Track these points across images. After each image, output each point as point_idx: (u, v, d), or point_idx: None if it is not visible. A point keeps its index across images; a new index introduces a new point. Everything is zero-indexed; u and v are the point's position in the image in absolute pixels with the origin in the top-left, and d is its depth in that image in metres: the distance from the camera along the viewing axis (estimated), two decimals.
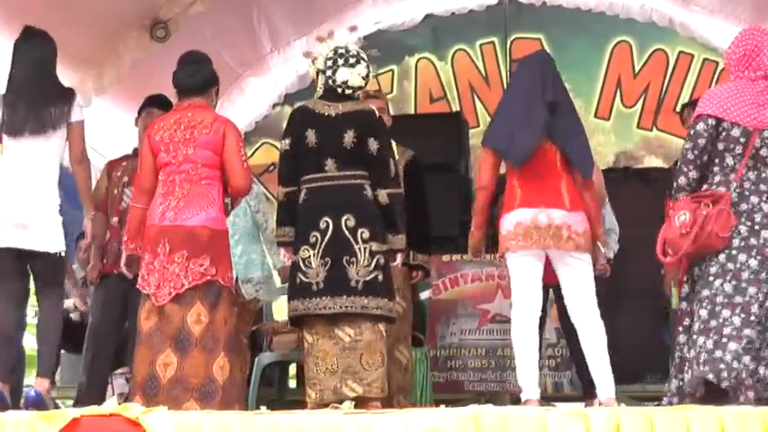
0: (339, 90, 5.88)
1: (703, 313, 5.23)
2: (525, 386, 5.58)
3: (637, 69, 11.09)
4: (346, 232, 5.71)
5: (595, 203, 5.81)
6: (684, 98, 10.68)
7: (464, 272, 8.20)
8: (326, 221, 5.72)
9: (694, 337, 5.23)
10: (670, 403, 5.27)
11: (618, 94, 11.05)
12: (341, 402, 5.56)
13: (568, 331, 5.98)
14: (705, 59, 10.86)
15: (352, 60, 5.86)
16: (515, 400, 7.64)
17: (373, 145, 5.81)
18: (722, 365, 5.07)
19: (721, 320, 5.18)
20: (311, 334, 5.79)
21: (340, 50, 5.91)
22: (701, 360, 5.14)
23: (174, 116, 5.77)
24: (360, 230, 5.71)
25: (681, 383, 5.30)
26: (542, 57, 6.03)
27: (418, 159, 6.95)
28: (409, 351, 6.78)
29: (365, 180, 5.81)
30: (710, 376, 5.09)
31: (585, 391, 6.53)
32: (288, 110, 10.56)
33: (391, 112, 7.08)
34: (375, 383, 5.67)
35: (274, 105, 10.81)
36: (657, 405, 6.97)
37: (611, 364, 5.65)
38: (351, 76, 5.85)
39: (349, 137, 5.79)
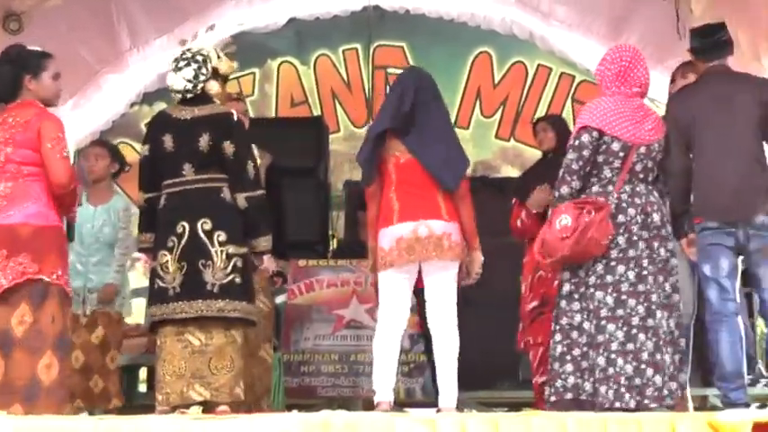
0: (173, 95, 5.86)
1: (590, 327, 5.33)
2: (379, 389, 5.59)
3: (496, 80, 11.26)
4: (202, 236, 5.65)
5: (471, 213, 5.82)
6: (542, 110, 10.88)
7: (319, 277, 8.18)
8: (183, 226, 5.66)
9: (585, 349, 5.34)
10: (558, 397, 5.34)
11: (477, 103, 11.20)
12: (188, 406, 5.50)
13: (430, 337, 6.00)
14: (562, 73, 11.09)
15: (181, 64, 5.83)
16: (368, 405, 7.65)
17: (229, 148, 5.76)
18: (621, 387, 5.23)
19: (607, 336, 5.31)
20: (161, 337, 5.72)
21: (176, 56, 5.89)
22: (597, 377, 5.28)
23: (2, 115, 5.57)
24: (216, 233, 5.66)
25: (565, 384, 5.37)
26: (418, 72, 6.00)
27: (275, 165, 6.92)
28: (270, 352, 6.75)
29: (223, 183, 5.76)
30: (611, 395, 5.22)
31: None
32: (146, 109, 10.49)
33: (251, 115, 7.03)
34: (223, 388, 5.61)
35: (132, 104, 10.62)
36: (507, 411, 7.08)
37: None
38: (175, 79, 5.82)
39: (204, 140, 5.74)
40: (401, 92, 5.77)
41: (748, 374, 6.58)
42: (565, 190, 5.46)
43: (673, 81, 6.76)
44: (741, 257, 5.83)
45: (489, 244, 7.90)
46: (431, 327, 5.75)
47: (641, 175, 5.48)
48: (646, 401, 5.22)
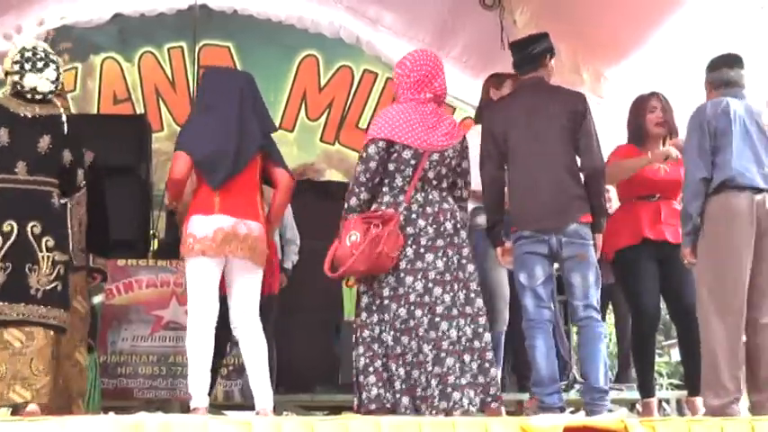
0: (29, 96, 5.68)
1: (387, 338, 5.37)
2: (195, 393, 5.54)
3: (323, 84, 11.29)
4: (31, 239, 5.54)
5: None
6: (367, 115, 10.95)
7: (139, 277, 8.05)
8: (11, 225, 5.52)
9: (385, 360, 5.39)
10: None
11: (303, 106, 11.21)
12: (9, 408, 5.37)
13: None
14: (388, 78, 11.16)
15: (39, 65, 5.68)
16: (185, 407, 7.58)
17: (67, 155, 5.69)
18: (416, 399, 5.29)
19: (403, 347, 5.36)
20: None
21: (27, 53, 5.70)
22: (398, 388, 5.32)
23: None
24: (45, 238, 5.57)
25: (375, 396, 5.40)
26: (248, 77, 5.98)
27: (97, 162, 6.80)
28: (85, 355, 6.61)
29: (54, 188, 5.67)
30: (412, 406, 5.28)
31: None
32: None
33: (72, 111, 6.88)
34: (43, 390, 5.50)
35: None
36: (326, 414, 7.10)
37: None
38: (39, 81, 5.68)
39: (44, 142, 5.63)
40: (254, 100, 5.81)
41: (562, 380, 6.76)
42: (353, 201, 5.49)
43: (487, 93, 6.86)
44: (556, 265, 5.98)
45: (312, 247, 7.96)
46: (236, 331, 5.74)
47: (434, 182, 5.53)
48: (434, 412, 5.26)
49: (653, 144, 6.60)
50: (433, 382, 5.30)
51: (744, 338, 5.69)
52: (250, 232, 5.62)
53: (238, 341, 5.77)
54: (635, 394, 7.00)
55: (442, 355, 5.33)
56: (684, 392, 7.22)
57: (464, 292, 5.47)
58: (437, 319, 5.37)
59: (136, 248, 8.70)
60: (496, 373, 5.49)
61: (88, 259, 6.57)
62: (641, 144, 6.60)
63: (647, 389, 6.62)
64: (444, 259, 5.44)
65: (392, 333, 5.37)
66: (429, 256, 5.43)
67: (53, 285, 5.56)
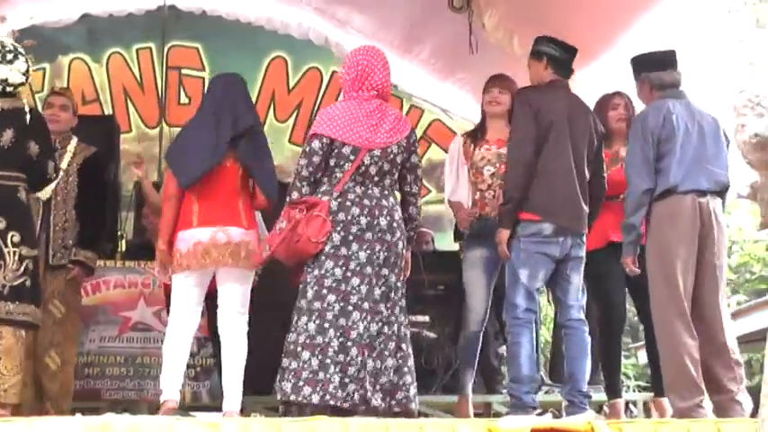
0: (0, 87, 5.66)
1: (307, 326, 5.39)
2: (166, 388, 5.58)
3: (291, 85, 11.30)
4: None
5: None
6: None
7: (107, 278, 8.03)
8: None
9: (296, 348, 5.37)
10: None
11: (272, 107, 11.21)
12: None
13: (218, 341, 5.98)
14: None
15: (9, 56, 5.69)
16: (153, 408, 7.56)
17: (33, 148, 5.67)
18: (300, 381, 5.28)
19: (299, 329, 5.38)
20: None
21: None
22: (304, 377, 5.30)
23: None
24: (10, 233, 5.54)
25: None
26: (233, 79, 6.01)
27: (99, 156, 6.82)
28: (62, 357, 6.59)
29: (20, 182, 5.65)
30: (288, 389, 5.30)
31: None
32: None
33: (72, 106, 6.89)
34: (12, 390, 5.50)
35: None
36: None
37: None
38: (10, 73, 5.68)
39: (7, 136, 5.60)
40: (231, 101, 5.79)
41: None
42: (295, 195, 5.52)
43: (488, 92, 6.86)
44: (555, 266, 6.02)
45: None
46: (221, 332, 5.76)
47: (376, 179, 5.53)
48: (327, 397, 5.23)
49: (618, 139, 6.73)
50: (332, 368, 5.26)
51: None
52: (230, 239, 5.64)
53: (220, 340, 5.78)
54: (602, 396, 7.03)
55: (348, 344, 5.31)
56: (651, 395, 7.26)
57: (383, 289, 5.45)
58: (349, 308, 5.35)
59: (103, 249, 8.69)
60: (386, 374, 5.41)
61: (70, 254, 6.56)
62: (607, 138, 6.69)
63: (613, 390, 6.67)
64: (369, 252, 5.43)
65: (296, 316, 5.41)
66: (354, 246, 5.42)
67: (21, 281, 5.54)
